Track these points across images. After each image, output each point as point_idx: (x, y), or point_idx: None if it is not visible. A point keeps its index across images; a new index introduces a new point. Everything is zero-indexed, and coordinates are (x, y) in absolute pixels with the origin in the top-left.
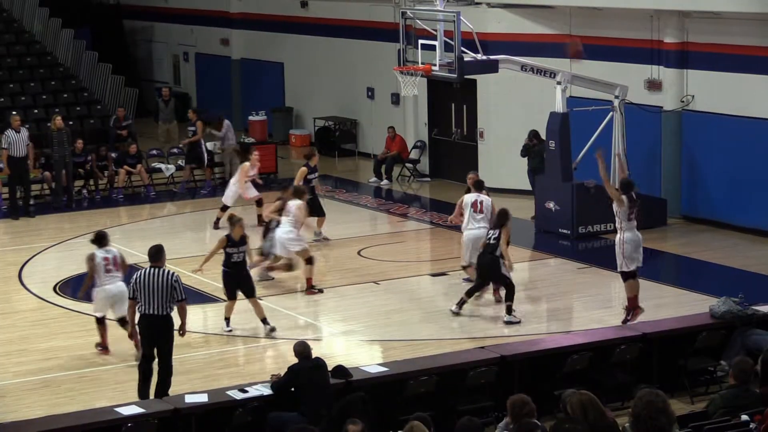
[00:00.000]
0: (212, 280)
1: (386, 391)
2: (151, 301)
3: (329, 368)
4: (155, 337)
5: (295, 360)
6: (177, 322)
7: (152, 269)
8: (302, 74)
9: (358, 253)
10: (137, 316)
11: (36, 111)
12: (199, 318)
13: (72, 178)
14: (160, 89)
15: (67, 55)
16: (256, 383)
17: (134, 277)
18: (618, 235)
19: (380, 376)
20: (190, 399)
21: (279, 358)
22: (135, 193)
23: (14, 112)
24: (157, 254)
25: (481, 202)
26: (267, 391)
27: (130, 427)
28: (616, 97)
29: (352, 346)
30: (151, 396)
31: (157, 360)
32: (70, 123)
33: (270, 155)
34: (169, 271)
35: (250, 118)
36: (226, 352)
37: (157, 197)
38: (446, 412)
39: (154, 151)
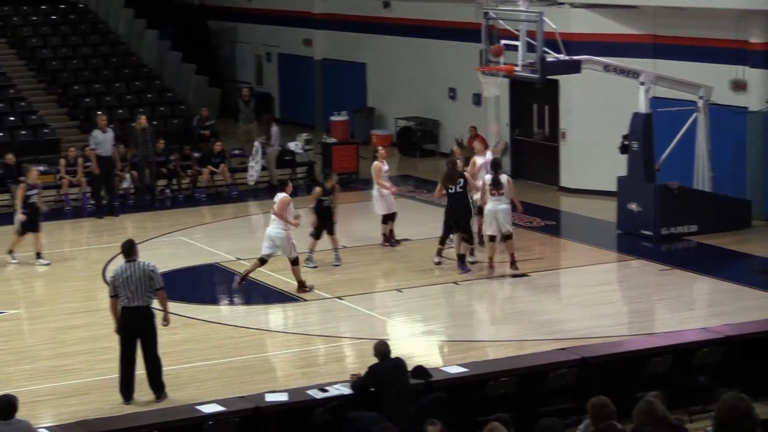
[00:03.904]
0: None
1: (466, 392)
2: (131, 295)
3: (409, 368)
4: (139, 330)
5: (375, 360)
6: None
7: (128, 263)
8: (384, 74)
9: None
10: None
11: (120, 111)
12: (279, 317)
13: (155, 177)
14: (241, 89)
15: (151, 55)
16: (336, 383)
17: (112, 274)
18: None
19: (460, 376)
20: (270, 398)
21: (359, 358)
22: (218, 192)
23: (100, 112)
24: (130, 249)
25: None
26: (347, 390)
27: (211, 425)
28: (701, 97)
29: (432, 346)
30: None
31: (143, 355)
32: (154, 123)
33: (351, 155)
34: (144, 262)
35: (332, 118)
36: (306, 351)
37: (239, 197)
38: (526, 414)
39: (236, 151)
